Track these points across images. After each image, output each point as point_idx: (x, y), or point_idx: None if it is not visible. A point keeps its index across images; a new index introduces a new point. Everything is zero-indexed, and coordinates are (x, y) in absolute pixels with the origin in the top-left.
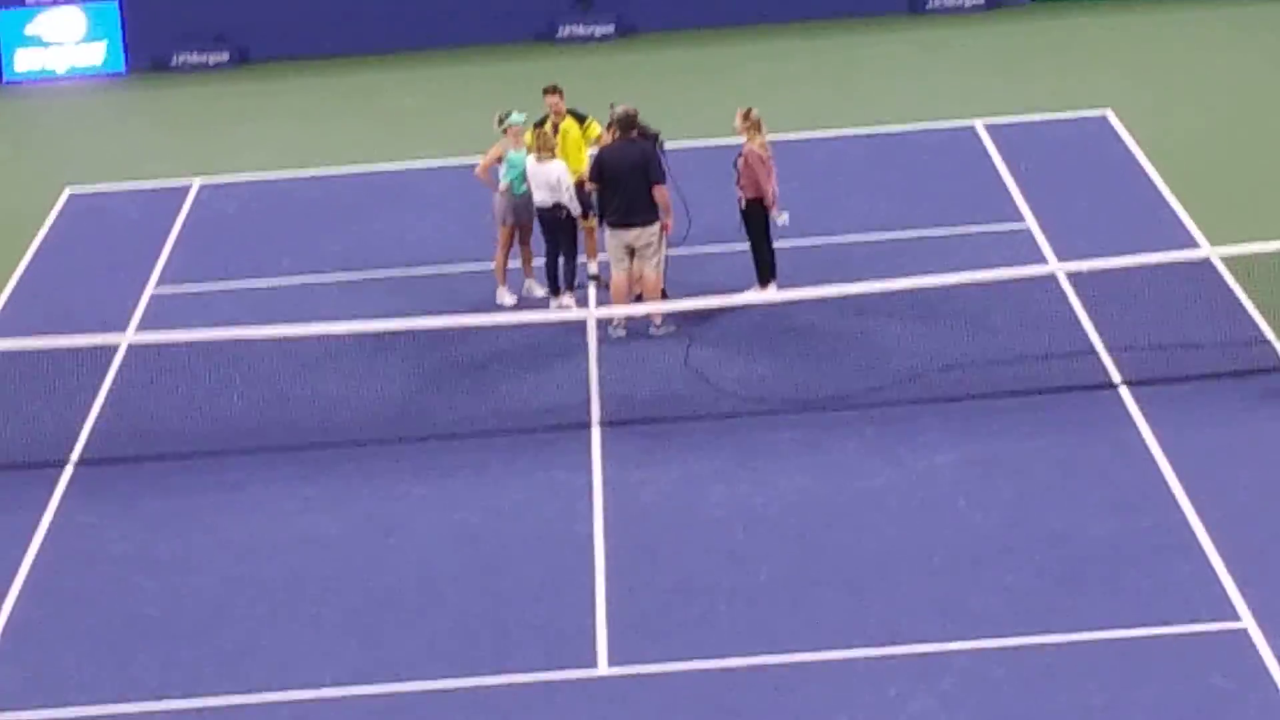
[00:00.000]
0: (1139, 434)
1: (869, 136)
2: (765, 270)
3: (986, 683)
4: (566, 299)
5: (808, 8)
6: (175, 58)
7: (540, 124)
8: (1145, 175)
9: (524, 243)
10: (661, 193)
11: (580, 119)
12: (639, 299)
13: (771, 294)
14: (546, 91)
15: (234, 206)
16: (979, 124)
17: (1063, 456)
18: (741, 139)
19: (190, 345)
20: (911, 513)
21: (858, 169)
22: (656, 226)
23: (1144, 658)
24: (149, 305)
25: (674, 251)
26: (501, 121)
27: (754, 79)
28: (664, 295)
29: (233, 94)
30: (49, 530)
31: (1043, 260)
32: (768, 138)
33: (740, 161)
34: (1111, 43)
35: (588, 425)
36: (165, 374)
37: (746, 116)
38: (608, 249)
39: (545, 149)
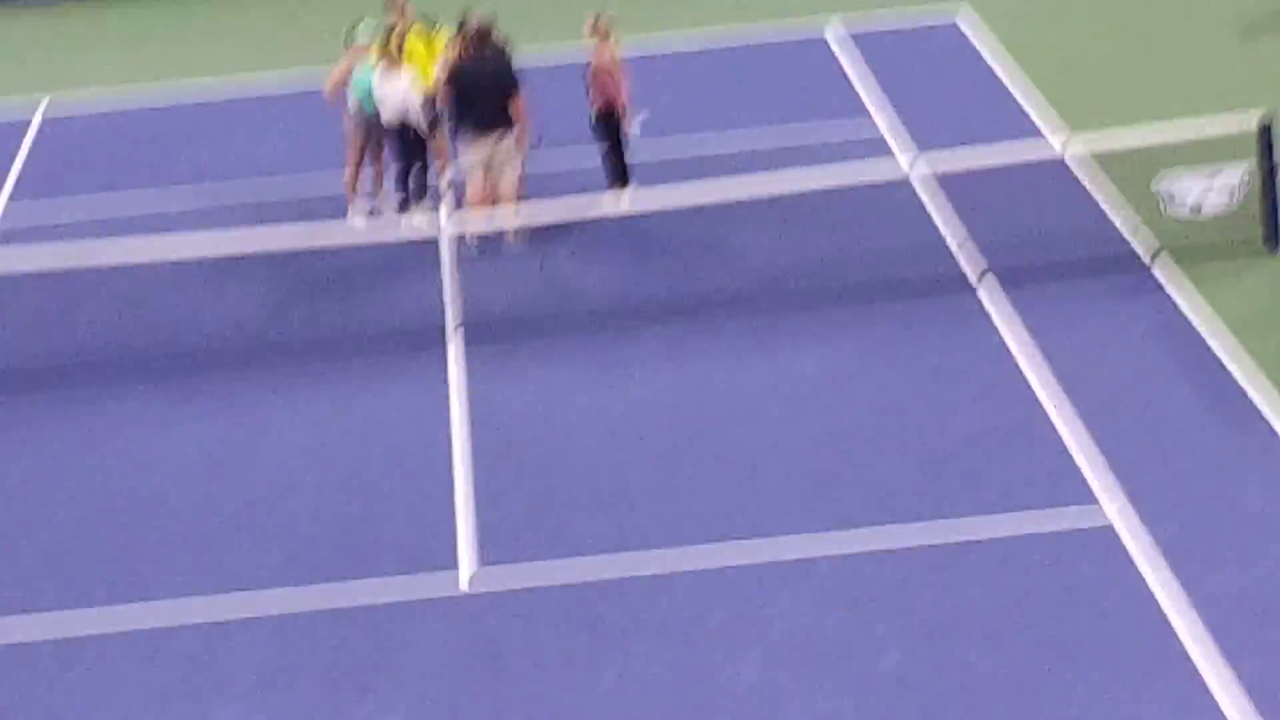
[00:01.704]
0: (1001, 331)
1: (721, 42)
2: (619, 178)
3: (855, 580)
4: (419, 214)
5: None
6: None
7: (387, 35)
8: (1001, 74)
9: (375, 159)
10: (519, 104)
11: (431, 26)
12: (494, 209)
13: (626, 202)
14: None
15: (79, 131)
16: (833, 26)
17: (926, 355)
18: (592, 49)
19: (37, 269)
20: (775, 415)
21: (711, 76)
22: (514, 137)
23: (1011, 550)
24: None
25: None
26: (348, 35)
27: None
28: (519, 205)
29: (77, 21)
30: None
31: (898, 162)
32: (619, 45)
33: (589, 72)
34: None
35: (445, 340)
36: (12, 299)
37: (595, 24)
38: (463, 161)
39: (390, 57)
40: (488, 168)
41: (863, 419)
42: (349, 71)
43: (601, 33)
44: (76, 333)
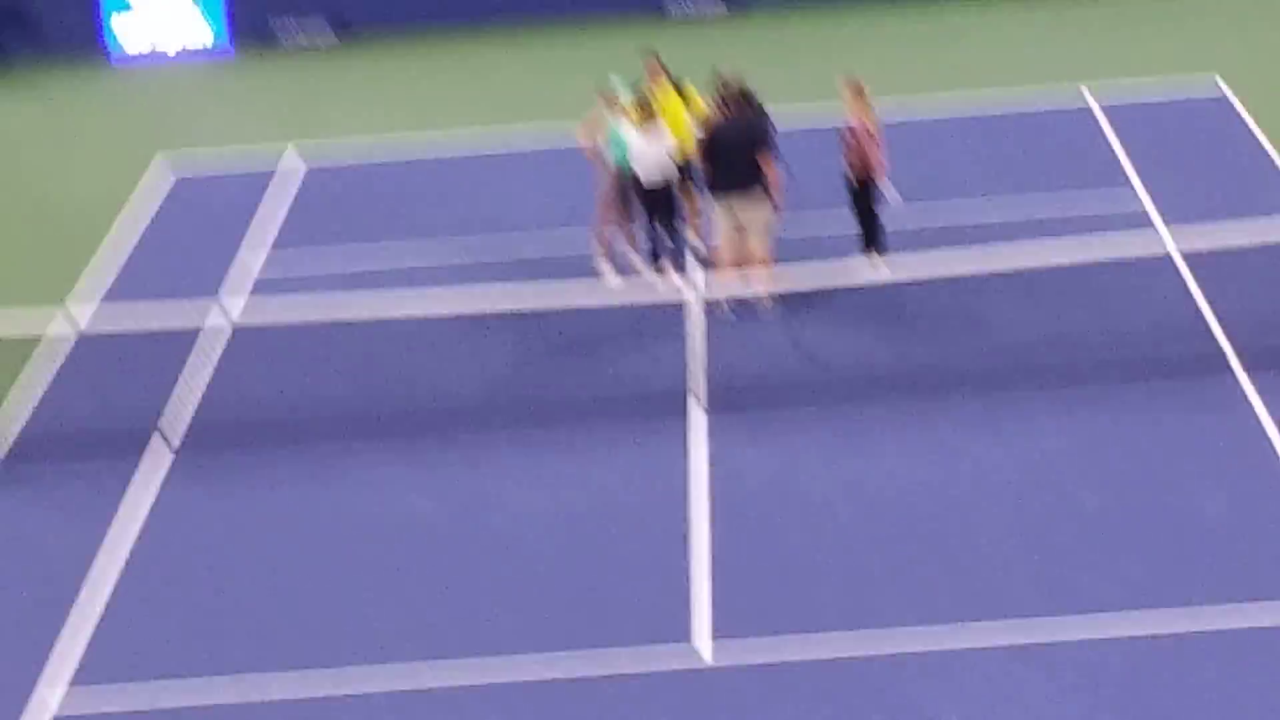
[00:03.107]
0: (1255, 412)
1: (979, 110)
2: (873, 243)
3: (1098, 666)
4: (669, 273)
5: None
6: (281, 34)
7: (643, 94)
8: (1260, 145)
9: (629, 217)
10: (772, 167)
11: (676, 86)
12: (745, 272)
13: (881, 271)
14: (644, 56)
15: (338, 182)
16: (1089, 95)
17: (1176, 436)
18: (848, 112)
19: (291, 322)
20: (1020, 493)
21: (967, 143)
22: (766, 200)
23: (1260, 639)
24: (253, 283)
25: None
26: (601, 89)
27: (862, 53)
28: (771, 273)
29: (338, 69)
30: (150, 511)
31: (1157, 236)
32: (876, 111)
33: (848, 135)
34: (1222, 9)
35: (690, 404)
36: (267, 351)
37: (853, 88)
38: (716, 222)
39: (647, 115)
40: (739, 227)
41: (1110, 499)
42: (601, 123)
43: (859, 95)
44: (322, 386)
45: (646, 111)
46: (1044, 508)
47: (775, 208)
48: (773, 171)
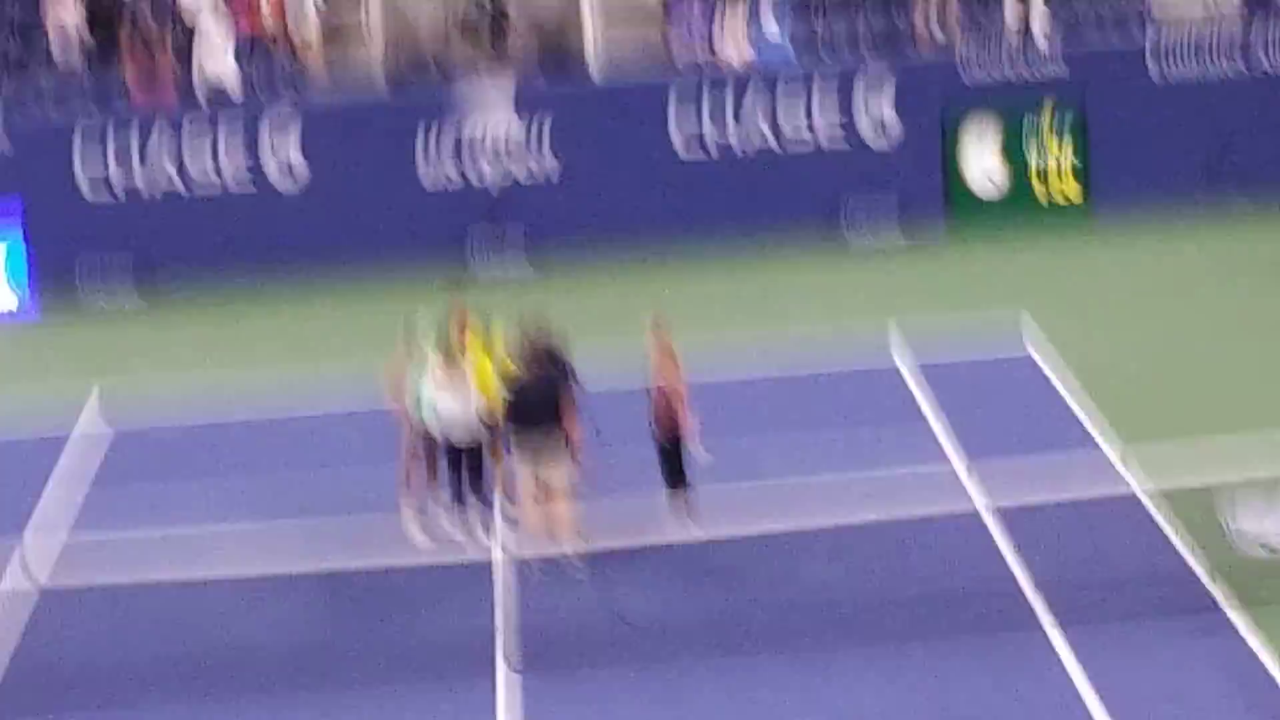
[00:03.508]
0: (1065, 674)
1: (786, 374)
2: (681, 501)
3: None
4: (476, 531)
5: (725, 245)
6: (85, 297)
7: (446, 341)
8: (1069, 406)
9: (430, 468)
10: (575, 425)
11: (483, 328)
12: (551, 530)
13: (690, 529)
14: (446, 291)
15: (141, 445)
16: (896, 344)
17: (988, 698)
18: (655, 371)
19: (96, 591)
20: None
21: (776, 407)
22: (569, 458)
23: None
24: (58, 554)
25: (591, 491)
26: (406, 327)
27: (671, 311)
28: (579, 532)
29: (143, 330)
30: None
31: (966, 497)
32: (683, 370)
33: (655, 394)
34: (1029, 273)
35: (499, 666)
36: (73, 621)
37: (661, 347)
38: (520, 482)
39: (452, 365)
40: (543, 485)
41: None
42: (404, 374)
43: (666, 355)
44: (122, 652)
45: (451, 361)
46: None
47: (578, 465)
48: (576, 430)
